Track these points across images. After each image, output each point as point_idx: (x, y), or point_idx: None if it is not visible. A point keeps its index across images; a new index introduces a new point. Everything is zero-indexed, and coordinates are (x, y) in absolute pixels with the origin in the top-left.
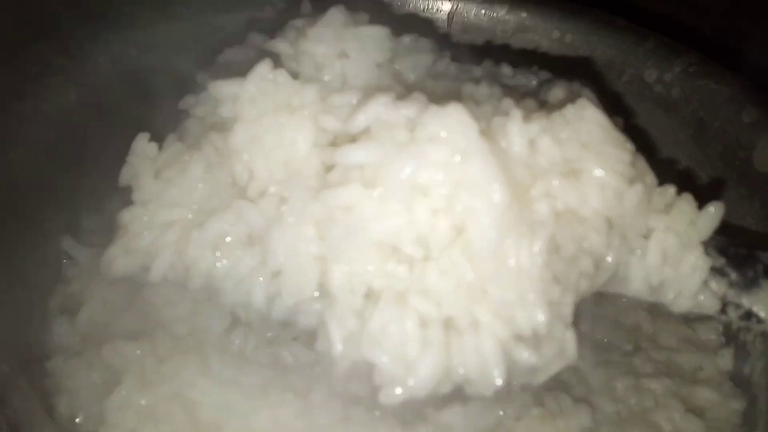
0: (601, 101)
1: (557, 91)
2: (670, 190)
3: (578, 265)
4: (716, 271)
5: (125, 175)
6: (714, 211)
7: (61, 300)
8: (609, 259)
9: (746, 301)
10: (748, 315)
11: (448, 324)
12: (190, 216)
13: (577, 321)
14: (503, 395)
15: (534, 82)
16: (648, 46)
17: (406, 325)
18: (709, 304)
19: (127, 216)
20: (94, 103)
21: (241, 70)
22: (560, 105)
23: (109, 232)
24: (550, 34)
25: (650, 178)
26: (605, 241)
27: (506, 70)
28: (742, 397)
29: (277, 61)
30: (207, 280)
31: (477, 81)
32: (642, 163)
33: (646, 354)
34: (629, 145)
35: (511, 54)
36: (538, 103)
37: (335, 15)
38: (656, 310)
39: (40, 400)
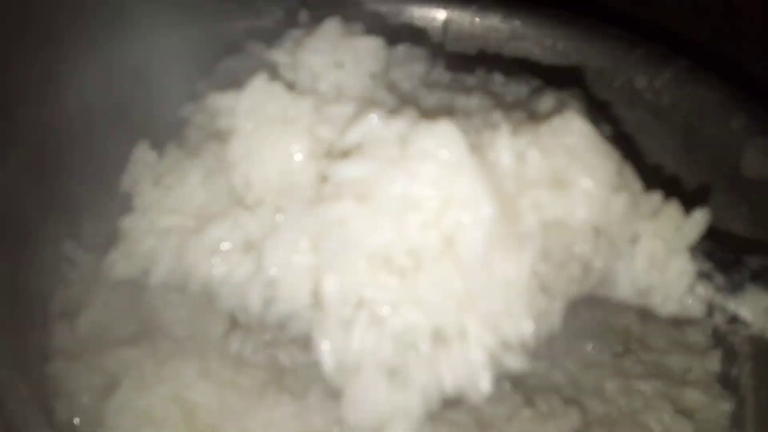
0: (591, 109)
1: (547, 101)
2: (657, 196)
3: (567, 270)
4: (703, 276)
5: (125, 182)
6: (700, 217)
7: (62, 303)
8: (597, 264)
9: (732, 305)
10: (734, 319)
11: (437, 334)
12: (189, 222)
13: (567, 323)
14: (494, 396)
15: (525, 91)
16: (639, 53)
17: (385, 347)
18: (695, 308)
19: (127, 222)
20: (94, 110)
21: (239, 79)
22: (549, 115)
23: (109, 237)
24: (542, 42)
25: (637, 185)
26: (593, 247)
27: (498, 78)
28: (731, 398)
29: (275, 71)
30: (205, 285)
31: (469, 91)
32: (629, 171)
33: (635, 356)
34: (615, 155)
35: (505, 62)
36: (528, 113)
37: (331, 26)
38: (646, 313)
39: (39, 403)
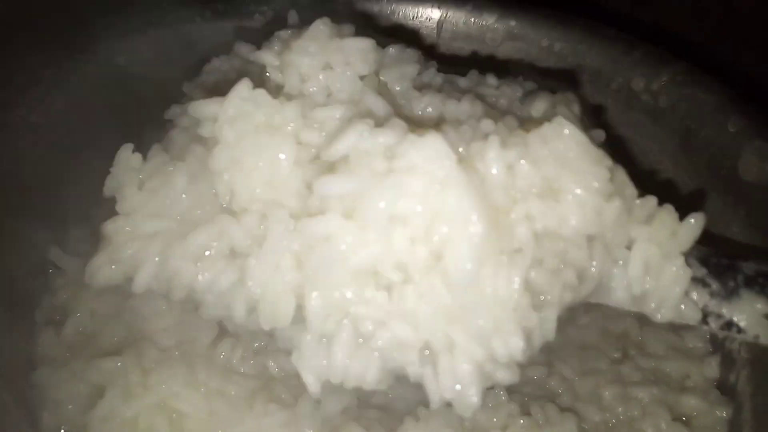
0: (587, 111)
1: (540, 104)
2: (652, 201)
3: (561, 277)
4: (698, 281)
5: (109, 186)
6: (695, 222)
7: (48, 311)
8: (593, 270)
9: (727, 311)
10: (729, 325)
11: (426, 349)
12: (173, 227)
13: (565, 329)
14: (489, 405)
15: (519, 93)
16: (636, 55)
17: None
18: (690, 314)
19: (111, 227)
20: (81, 113)
21: (226, 81)
22: (542, 119)
23: (96, 242)
24: (538, 43)
25: (630, 190)
26: (587, 254)
27: (492, 80)
28: (728, 405)
29: (263, 72)
30: (189, 293)
31: (460, 96)
32: (622, 176)
33: (633, 362)
34: (607, 161)
35: (499, 63)
36: (519, 119)
37: (320, 27)
38: (644, 318)
39: (25, 412)
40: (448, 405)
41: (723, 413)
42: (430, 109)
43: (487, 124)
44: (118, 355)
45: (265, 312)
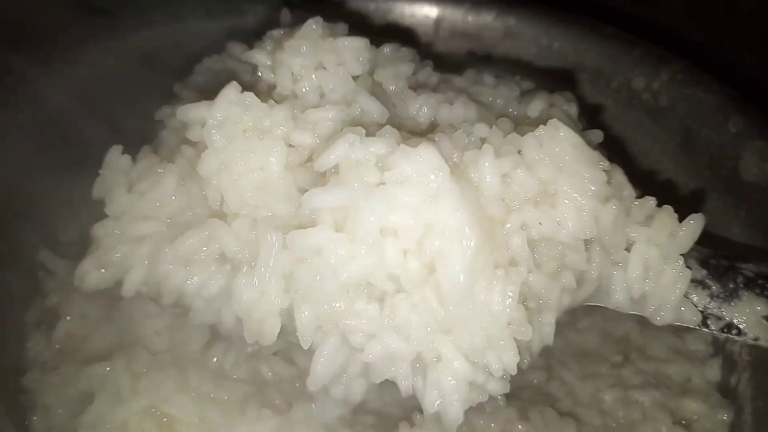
0: (585, 111)
1: (537, 103)
2: (651, 202)
3: (560, 281)
4: (697, 283)
5: (98, 188)
6: (695, 223)
7: (38, 314)
8: (592, 273)
9: (727, 313)
10: (729, 327)
11: (417, 361)
12: (163, 229)
13: (565, 333)
14: (487, 410)
15: (516, 93)
16: (636, 53)
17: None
18: (690, 316)
19: (99, 230)
20: (71, 113)
21: (217, 81)
22: (538, 120)
23: (86, 244)
24: (538, 41)
25: (628, 191)
26: (585, 257)
27: (489, 79)
28: (729, 408)
29: (255, 72)
30: (179, 297)
31: (455, 96)
32: (619, 176)
33: (634, 365)
34: (604, 163)
35: (497, 62)
36: (514, 121)
37: (312, 26)
38: (645, 321)
39: (14, 416)
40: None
41: (724, 416)
42: (425, 109)
43: (481, 129)
44: (109, 360)
45: (250, 330)
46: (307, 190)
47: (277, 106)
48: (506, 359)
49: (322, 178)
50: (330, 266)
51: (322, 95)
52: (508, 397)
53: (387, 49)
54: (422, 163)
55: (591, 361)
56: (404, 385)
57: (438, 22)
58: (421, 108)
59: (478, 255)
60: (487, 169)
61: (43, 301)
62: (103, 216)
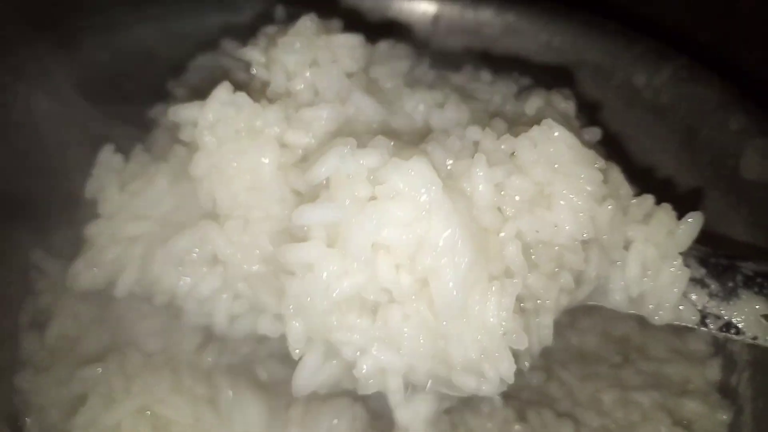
0: (585, 108)
1: (534, 101)
2: (649, 200)
3: (558, 281)
4: (696, 282)
5: (90, 188)
6: (693, 221)
7: (31, 314)
8: (591, 272)
9: (725, 312)
10: (728, 326)
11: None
12: (156, 229)
13: (565, 333)
14: (485, 411)
15: (513, 90)
16: (637, 50)
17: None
18: (688, 315)
19: (92, 229)
20: (64, 112)
21: (212, 79)
22: (532, 120)
23: (79, 244)
24: (537, 37)
25: (625, 189)
26: (583, 257)
27: (486, 76)
28: (729, 408)
29: (249, 69)
30: (171, 298)
31: (447, 98)
32: (616, 175)
33: (634, 366)
34: (599, 162)
35: (497, 58)
36: (509, 120)
37: (306, 23)
38: (645, 321)
39: (7, 417)
40: (442, 412)
41: (723, 417)
42: (421, 107)
43: (473, 132)
44: (102, 361)
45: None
46: (300, 191)
47: (270, 107)
48: (503, 369)
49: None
50: (322, 282)
51: (316, 93)
52: (506, 397)
53: (383, 45)
54: (414, 177)
55: (590, 361)
56: (395, 398)
57: (436, 18)
58: (417, 106)
59: (471, 270)
60: (480, 178)
61: (36, 301)
62: (95, 216)
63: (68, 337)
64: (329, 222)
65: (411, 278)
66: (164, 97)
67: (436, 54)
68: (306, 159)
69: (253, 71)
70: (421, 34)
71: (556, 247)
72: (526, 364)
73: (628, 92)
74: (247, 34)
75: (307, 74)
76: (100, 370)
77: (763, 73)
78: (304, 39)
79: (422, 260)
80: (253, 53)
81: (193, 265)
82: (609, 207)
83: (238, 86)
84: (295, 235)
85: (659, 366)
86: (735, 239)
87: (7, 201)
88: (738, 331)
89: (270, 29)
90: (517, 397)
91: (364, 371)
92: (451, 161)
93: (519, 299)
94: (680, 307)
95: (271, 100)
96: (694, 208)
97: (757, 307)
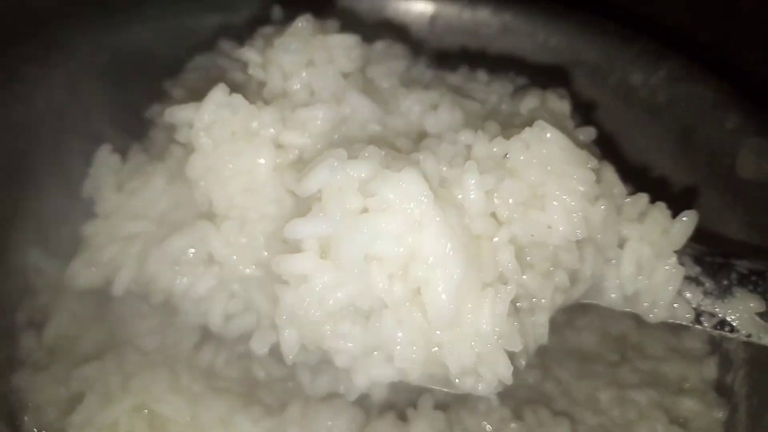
0: (582, 107)
1: (530, 100)
2: (643, 198)
3: (553, 280)
4: (691, 280)
5: (88, 188)
6: (688, 220)
7: (29, 313)
8: (586, 271)
9: (720, 310)
10: (722, 324)
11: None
12: (153, 229)
13: (562, 331)
14: (480, 410)
15: (509, 90)
16: (634, 50)
17: None
18: (683, 313)
19: (89, 229)
20: (62, 111)
21: (209, 79)
22: (525, 122)
23: (77, 243)
24: (534, 37)
25: (618, 188)
26: (578, 256)
27: (482, 76)
28: (725, 406)
29: (246, 70)
30: (167, 297)
31: (440, 100)
32: (610, 174)
33: (631, 364)
34: (592, 163)
35: (494, 58)
36: (502, 122)
37: (303, 24)
38: (643, 319)
39: (5, 415)
40: (437, 408)
41: (719, 414)
42: (416, 108)
43: (466, 136)
44: (99, 359)
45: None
46: (296, 192)
47: (266, 108)
48: (500, 371)
49: None
50: (316, 294)
51: (312, 93)
52: (502, 396)
53: (380, 45)
54: (405, 190)
55: (587, 360)
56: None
57: (433, 18)
58: (412, 106)
59: (463, 280)
60: (472, 186)
61: (34, 300)
62: (93, 215)
63: (66, 335)
64: (321, 235)
65: (404, 287)
66: (161, 96)
67: (433, 54)
68: (302, 159)
69: (250, 71)
70: (418, 35)
71: (551, 247)
72: (522, 362)
73: (624, 92)
74: (244, 34)
75: (304, 74)
76: (99, 368)
77: (759, 72)
78: (300, 39)
79: (414, 272)
80: (249, 54)
81: (189, 264)
82: (602, 207)
83: (235, 86)
84: (288, 240)
85: (656, 364)
86: (731, 238)
87: (7, 201)
88: (732, 329)
89: (267, 30)
90: (513, 395)
91: (356, 384)
92: (444, 168)
93: (514, 298)
94: (675, 305)
95: (267, 101)
96: (689, 207)
97: (751, 305)
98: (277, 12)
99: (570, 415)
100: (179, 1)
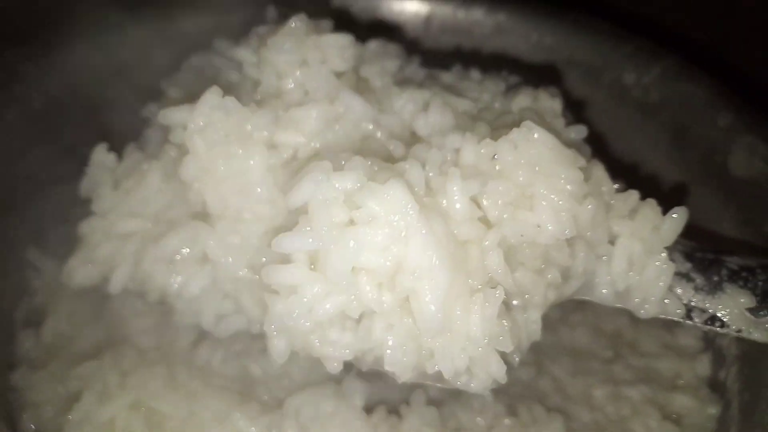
0: (575, 106)
1: (521, 98)
2: (634, 195)
3: (545, 277)
4: (682, 276)
5: (84, 186)
6: (678, 217)
7: (26, 312)
8: (578, 268)
9: (710, 306)
10: (713, 319)
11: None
12: (149, 227)
13: (556, 328)
14: (474, 406)
15: (502, 88)
16: (627, 49)
17: None
18: (674, 309)
19: (86, 227)
20: (59, 110)
21: (204, 78)
22: (514, 123)
23: (73, 242)
24: (528, 37)
25: (607, 186)
26: (569, 254)
27: (475, 75)
28: (718, 402)
29: (240, 69)
30: (162, 295)
31: (430, 100)
32: (599, 172)
33: (625, 361)
34: (580, 162)
35: (487, 57)
36: (497, 117)
37: (297, 23)
38: (637, 316)
39: (3, 413)
40: (430, 404)
41: (712, 411)
42: (409, 106)
43: (454, 139)
44: (97, 357)
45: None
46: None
47: (259, 110)
48: (493, 371)
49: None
50: (305, 304)
51: (305, 92)
52: (496, 392)
53: (373, 45)
54: (390, 202)
55: (581, 357)
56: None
57: (428, 18)
58: (405, 105)
59: (451, 288)
60: (456, 193)
61: (32, 299)
62: (89, 213)
63: (63, 334)
64: (308, 249)
65: (393, 296)
66: (157, 96)
67: (427, 53)
68: (296, 158)
69: (245, 71)
70: (412, 34)
71: (542, 246)
72: (516, 359)
73: (617, 91)
74: (239, 34)
75: (297, 74)
76: (96, 366)
77: (751, 70)
78: (294, 39)
79: (402, 282)
80: (244, 53)
81: (184, 263)
82: (590, 205)
83: (230, 86)
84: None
85: (650, 361)
86: (723, 235)
87: (5, 200)
88: (723, 325)
89: (261, 29)
90: (507, 392)
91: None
92: (432, 173)
93: (507, 296)
94: (666, 301)
95: (261, 101)
96: (681, 204)
97: (741, 300)
98: (271, 12)
99: (564, 411)
100: (174, 2)
